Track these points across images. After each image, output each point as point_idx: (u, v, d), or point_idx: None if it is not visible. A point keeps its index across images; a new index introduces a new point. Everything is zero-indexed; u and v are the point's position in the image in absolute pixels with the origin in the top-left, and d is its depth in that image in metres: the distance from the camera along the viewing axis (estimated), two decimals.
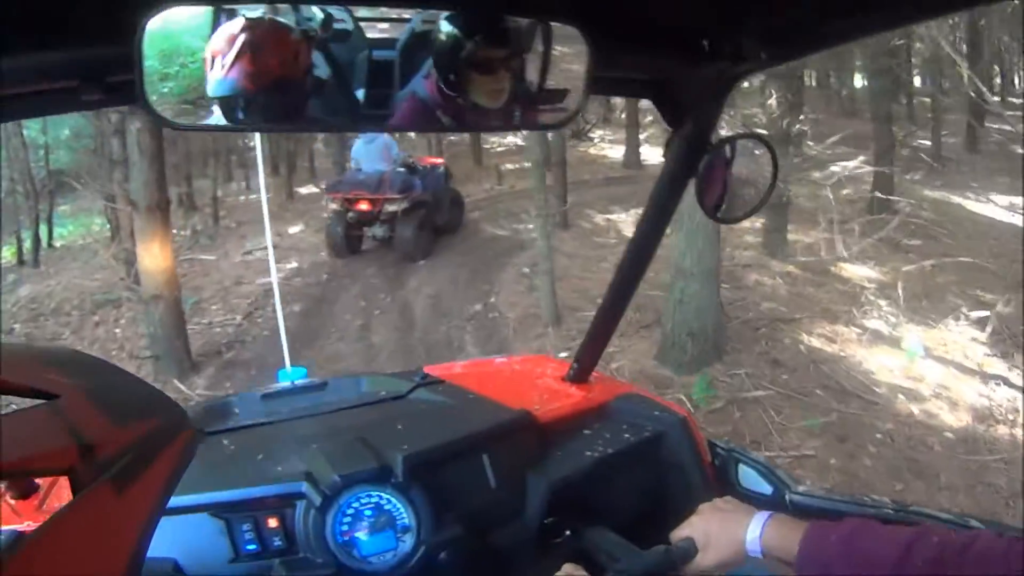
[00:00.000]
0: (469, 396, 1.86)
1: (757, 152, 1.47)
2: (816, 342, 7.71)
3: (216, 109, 1.01)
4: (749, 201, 1.49)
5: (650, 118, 18.22)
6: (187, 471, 1.58)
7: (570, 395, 1.93)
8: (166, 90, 0.98)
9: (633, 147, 18.43)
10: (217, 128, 1.04)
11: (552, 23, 1.05)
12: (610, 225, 12.42)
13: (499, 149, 20.24)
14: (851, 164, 11.92)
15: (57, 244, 15.92)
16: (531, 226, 10.75)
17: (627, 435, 1.78)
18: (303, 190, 17.39)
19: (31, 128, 13.93)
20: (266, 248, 11.65)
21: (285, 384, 2.08)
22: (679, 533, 1.39)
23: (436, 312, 9.34)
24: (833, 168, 11.63)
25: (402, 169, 11.37)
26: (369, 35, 1.08)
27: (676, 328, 7.07)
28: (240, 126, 1.10)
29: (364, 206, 10.97)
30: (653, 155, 17.43)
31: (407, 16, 1.10)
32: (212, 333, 9.14)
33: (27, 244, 14.38)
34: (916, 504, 1.51)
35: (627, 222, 12.18)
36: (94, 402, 0.62)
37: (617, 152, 19.50)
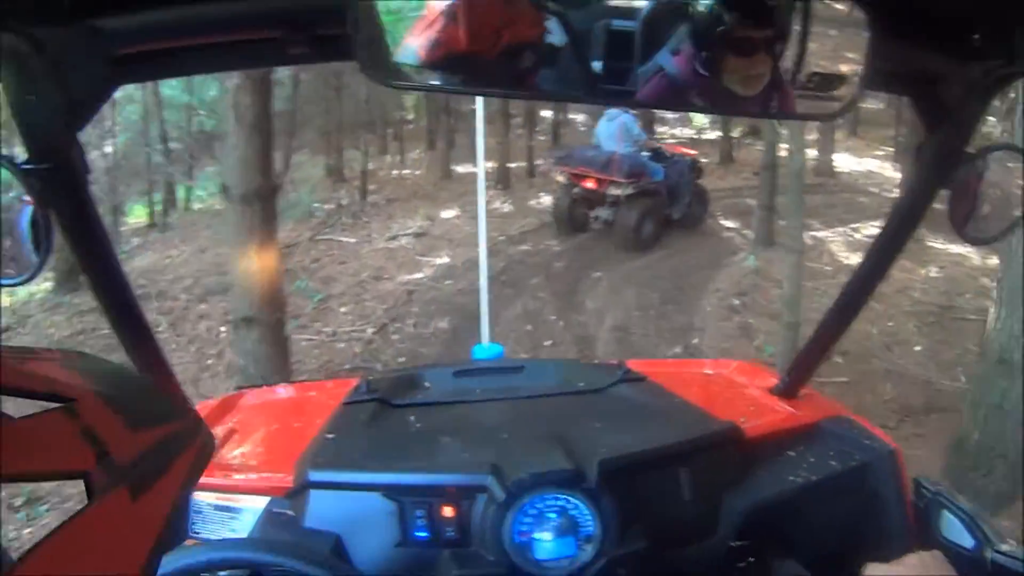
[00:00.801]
0: (673, 399, 1.82)
1: (1012, 166, 1.34)
2: None
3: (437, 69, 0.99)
4: (1001, 220, 1.35)
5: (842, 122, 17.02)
6: (368, 444, 1.58)
7: (777, 411, 1.86)
8: (383, 46, 0.96)
9: (826, 151, 16.89)
10: (440, 89, 1.03)
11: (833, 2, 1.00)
12: (817, 245, 11.13)
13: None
14: None
15: (196, 207, 15.89)
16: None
17: (833, 462, 1.68)
18: (460, 168, 16.93)
19: (173, 88, 13.54)
20: (413, 234, 12.04)
21: (480, 362, 2.05)
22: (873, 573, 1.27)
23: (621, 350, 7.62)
24: None
25: (646, 153, 11.21)
26: (609, 2, 1.04)
27: (984, 441, 5.13)
28: (464, 89, 1.12)
29: (590, 184, 10.86)
30: (846, 163, 16.59)
31: None
32: (333, 350, 7.98)
33: (159, 207, 14.56)
34: None
35: (837, 242, 11.40)
36: (110, 406, 0.62)
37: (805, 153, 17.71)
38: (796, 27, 1.00)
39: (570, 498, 1.39)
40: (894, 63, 1.17)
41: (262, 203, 5.85)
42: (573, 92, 1.21)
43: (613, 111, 11.09)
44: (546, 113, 19.99)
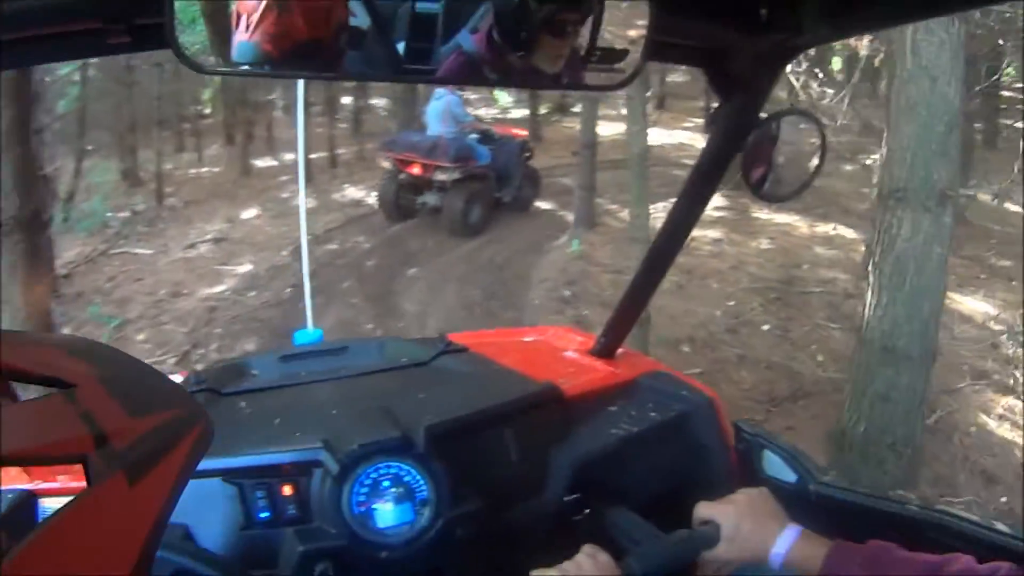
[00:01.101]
0: (493, 366, 1.89)
1: (804, 129, 1.48)
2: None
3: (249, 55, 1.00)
4: (794, 180, 1.50)
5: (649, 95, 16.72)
6: None
7: (596, 370, 1.95)
8: (197, 34, 0.97)
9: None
10: (252, 74, 1.06)
11: None
12: (635, 221, 10.69)
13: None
14: None
15: None
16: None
17: (653, 413, 1.79)
18: (260, 163, 16.40)
19: None
20: (212, 240, 11.38)
21: (304, 346, 2.05)
22: (704, 512, 1.39)
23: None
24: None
25: (473, 135, 11.14)
26: None
27: (871, 433, 4.94)
28: (276, 73, 1.13)
29: (415, 170, 10.62)
30: (657, 136, 15.78)
31: None
32: None
33: None
34: (940, 504, 1.53)
35: (657, 217, 10.80)
36: (110, 392, 0.63)
37: (611, 130, 15.85)
38: (592, 4, 1.07)
39: (402, 465, 1.43)
40: (683, 36, 1.28)
41: (25, 232, 4.95)
42: (380, 73, 1.25)
43: (440, 91, 11.05)
44: (346, 99, 19.51)
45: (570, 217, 10.97)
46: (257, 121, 17.62)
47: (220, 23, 0.97)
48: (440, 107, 10.96)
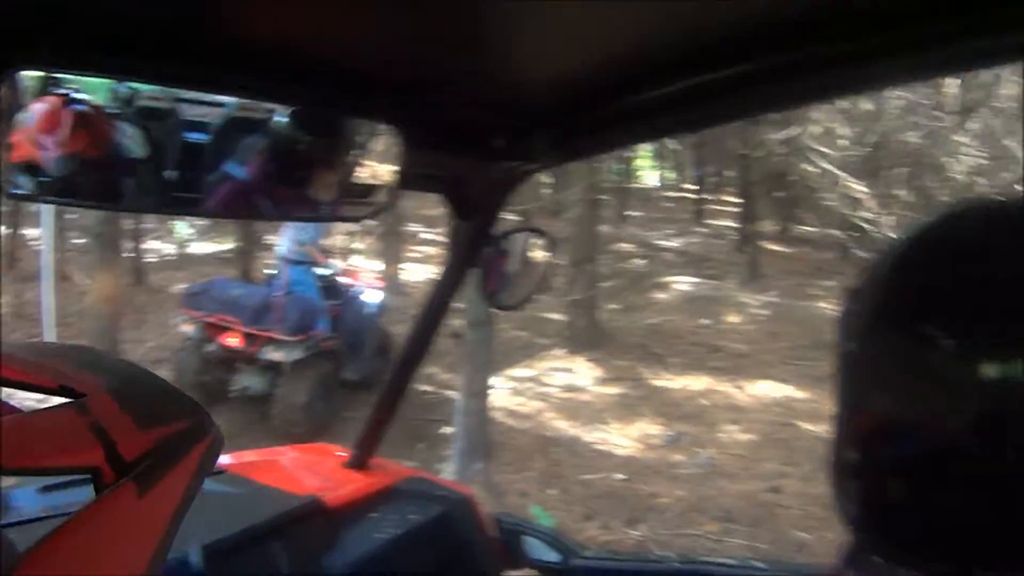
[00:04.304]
0: (255, 486, 1.99)
1: (533, 242, 1.80)
2: None
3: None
4: (525, 288, 1.80)
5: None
6: None
7: (353, 481, 2.11)
8: None
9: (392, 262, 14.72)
10: (24, 199, 1.17)
11: (373, 122, 1.27)
12: None
13: None
14: None
15: None
16: None
17: (413, 516, 1.97)
18: None
19: None
20: None
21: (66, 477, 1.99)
22: None
23: None
24: None
25: (311, 288, 8.72)
26: (184, 116, 1.20)
27: None
28: (49, 200, 1.29)
29: (234, 341, 8.15)
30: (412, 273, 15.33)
31: (223, 100, 1.22)
32: None
33: None
34: (698, 555, 1.82)
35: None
36: (120, 402, 0.67)
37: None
38: (352, 139, 1.29)
39: None
40: (428, 167, 1.52)
41: None
42: (150, 202, 1.34)
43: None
44: None
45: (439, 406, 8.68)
46: None
47: None
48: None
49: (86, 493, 1.62)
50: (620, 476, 7.28)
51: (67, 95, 1.08)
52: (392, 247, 14.78)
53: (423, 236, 17.06)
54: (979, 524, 0.68)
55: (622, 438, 8.25)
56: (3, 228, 14.69)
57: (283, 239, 8.93)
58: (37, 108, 1.06)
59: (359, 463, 2.17)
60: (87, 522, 0.62)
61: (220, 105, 1.22)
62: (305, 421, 7.98)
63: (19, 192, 1.09)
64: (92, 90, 1.10)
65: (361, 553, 1.83)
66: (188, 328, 8.45)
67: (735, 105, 1.21)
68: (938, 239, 0.77)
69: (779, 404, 9.10)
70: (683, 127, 1.53)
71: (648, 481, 7.16)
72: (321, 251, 9.03)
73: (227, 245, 16.60)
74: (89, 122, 1.10)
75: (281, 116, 1.22)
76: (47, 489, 1.93)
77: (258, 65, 1.09)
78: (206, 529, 1.67)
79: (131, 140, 1.12)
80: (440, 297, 1.89)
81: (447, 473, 6.91)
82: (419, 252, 16.43)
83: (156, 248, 16.49)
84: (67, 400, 0.65)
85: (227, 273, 12.61)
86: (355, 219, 1.40)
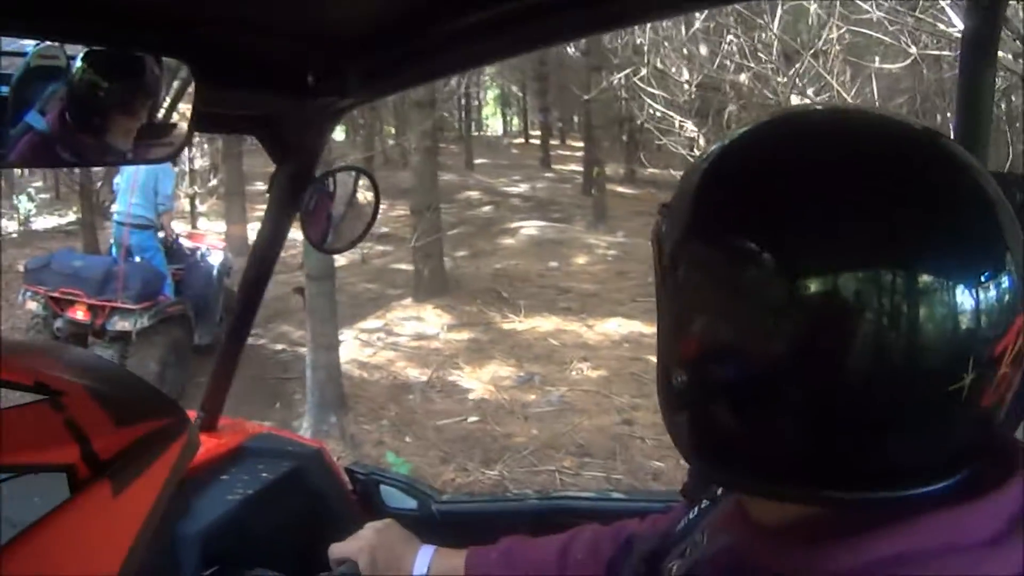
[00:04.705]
0: None
1: (359, 183, 1.78)
2: None
3: None
4: (353, 231, 1.78)
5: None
6: None
7: (202, 443, 2.02)
8: None
9: (237, 223, 14.30)
10: None
11: (164, 57, 1.22)
12: None
13: None
14: None
15: None
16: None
17: (264, 474, 1.93)
18: None
19: None
20: None
21: None
22: (337, 553, 1.55)
23: None
24: None
25: (154, 252, 8.41)
26: None
27: None
28: None
29: (79, 314, 7.78)
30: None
31: (25, 48, 1.17)
32: None
33: None
34: (556, 490, 1.87)
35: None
36: (97, 401, 0.68)
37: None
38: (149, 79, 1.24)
39: None
40: (230, 106, 1.49)
41: None
42: None
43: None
44: None
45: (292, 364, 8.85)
46: None
47: None
48: (142, 177, 8.30)
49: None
50: (474, 419, 7.39)
51: None
52: (237, 207, 14.41)
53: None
54: (810, 447, 0.69)
55: (474, 382, 8.34)
56: None
57: (120, 204, 8.50)
58: None
59: (206, 424, 2.09)
60: (60, 521, 0.62)
61: (21, 55, 1.16)
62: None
63: None
64: None
65: (213, 516, 1.77)
66: (33, 305, 8.08)
67: (536, 33, 1.23)
68: (750, 149, 0.77)
69: (628, 340, 9.33)
70: (490, 55, 1.54)
71: (502, 422, 7.29)
72: (163, 214, 8.56)
73: (70, 217, 16.04)
74: None
75: (76, 61, 1.17)
76: None
77: (44, 3, 1.06)
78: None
79: None
80: (266, 245, 1.85)
81: (303, 429, 6.91)
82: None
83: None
84: (41, 397, 0.66)
85: (73, 246, 12.02)
86: (158, 160, 1.37)
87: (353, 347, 9.14)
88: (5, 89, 1.14)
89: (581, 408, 7.51)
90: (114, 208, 8.89)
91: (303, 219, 1.71)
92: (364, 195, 1.77)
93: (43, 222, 16.78)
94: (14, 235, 15.63)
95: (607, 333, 9.74)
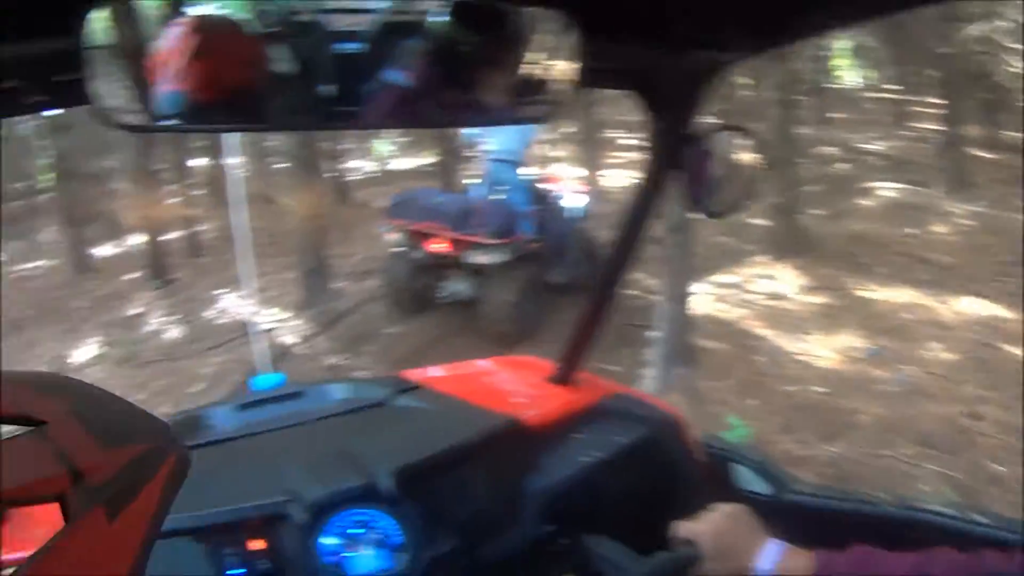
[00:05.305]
0: (452, 402, 1.98)
1: (737, 143, 1.62)
2: None
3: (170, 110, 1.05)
4: (733, 193, 1.62)
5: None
6: None
7: (556, 397, 2.03)
8: (118, 89, 1.02)
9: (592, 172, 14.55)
10: (175, 129, 1.16)
11: (541, 9, 1.15)
12: None
13: None
14: None
15: None
16: None
17: (618, 438, 1.88)
18: (101, 251, 14.70)
19: None
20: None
21: (260, 393, 2.13)
22: (683, 532, 1.48)
23: None
24: None
25: (517, 190, 8.73)
26: (332, 28, 1.14)
27: None
28: (200, 127, 1.18)
29: (440, 246, 8.24)
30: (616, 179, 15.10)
31: (371, 6, 1.16)
32: None
33: None
34: (913, 499, 1.70)
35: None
36: (82, 426, 0.67)
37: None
38: (522, 34, 1.16)
39: (371, 511, 1.52)
40: (611, 61, 1.37)
41: None
42: (306, 120, 1.29)
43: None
44: (198, 161, 17.42)
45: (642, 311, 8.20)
46: (94, 197, 15.46)
47: (140, 76, 1.02)
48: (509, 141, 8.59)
49: (286, 409, 1.65)
50: (819, 389, 7.03)
51: (202, 16, 1.05)
52: (591, 154, 14.72)
53: (621, 142, 16.76)
54: None
55: (824, 349, 7.92)
56: (206, 159, 15.46)
57: (490, 141, 8.88)
58: (172, 32, 1.02)
59: (563, 378, 2.09)
60: (60, 551, 0.61)
61: (368, 12, 1.16)
62: (512, 323, 8.12)
63: (168, 120, 1.06)
64: (229, 8, 1.07)
65: (561, 476, 1.75)
66: (394, 236, 8.77)
67: None
68: None
69: (983, 323, 8.47)
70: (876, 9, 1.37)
71: (847, 396, 6.88)
72: (526, 156, 8.93)
73: (428, 160, 17.02)
74: (230, 42, 1.06)
75: (437, 16, 1.14)
76: (245, 407, 2.02)
77: None
78: (399, 448, 1.67)
79: (279, 57, 1.08)
80: (642, 201, 1.77)
81: (648, 378, 6.88)
82: (618, 158, 16.13)
83: (356, 167, 16.88)
84: (28, 428, 0.65)
85: (430, 186, 12.63)
86: (533, 120, 1.30)
87: (705, 300, 8.92)
88: (356, 46, 1.13)
89: (928, 392, 6.91)
90: (482, 147, 9.31)
91: (684, 179, 1.60)
92: (743, 156, 1.62)
93: (398, 163, 18.16)
94: (373, 175, 17.05)
95: (961, 312, 8.87)
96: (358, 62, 1.12)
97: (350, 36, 1.13)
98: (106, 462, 0.65)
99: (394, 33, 1.13)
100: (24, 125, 14.26)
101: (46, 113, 11.94)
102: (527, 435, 1.83)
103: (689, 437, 1.96)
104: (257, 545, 1.49)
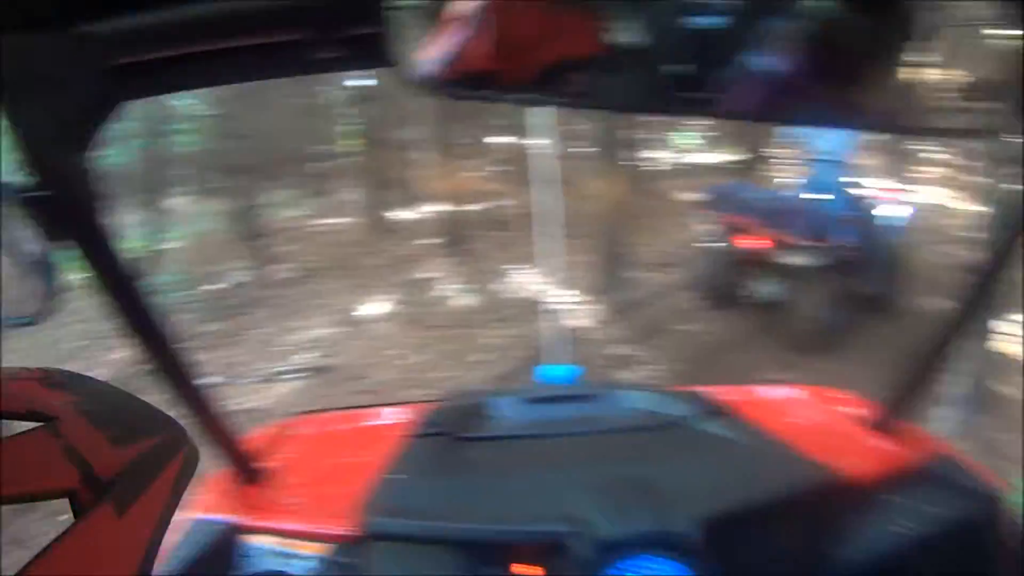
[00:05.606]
0: (762, 436, 1.79)
1: None
2: None
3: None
4: None
5: None
6: (435, 488, 1.64)
7: (877, 450, 1.80)
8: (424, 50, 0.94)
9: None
10: (492, 98, 1.04)
11: None
12: None
13: None
14: None
15: None
16: None
17: (933, 511, 1.64)
18: (398, 215, 14.80)
19: None
20: (310, 370, 7.92)
21: (549, 388, 2.09)
22: None
23: None
24: None
25: (837, 192, 8.18)
26: None
27: None
28: (518, 98, 1.07)
29: (753, 243, 7.85)
30: None
31: None
32: None
33: None
34: None
35: None
36: (92, 422, 0.68)
37: None
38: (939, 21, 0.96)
39: (667, 562, 1.38)
40: None
41: None
42: (647, 103, 1.15)
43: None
44: (497, 139, 17.10)
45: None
46: (395, 164, 15.49)
47: (451, 37, 0.94)
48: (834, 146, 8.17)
49: (575, 411, 1.55)
50: None
51: None
52: (896, 165, 14.03)
53: (922, 155, 15.35)
54: None
55: None
56: (505, 137, 16.02)
57: (816, 138, 8.29)
58: None
59: (887, 425, 1.82)
60: (68, 547, 0.62)
61: None
62: (816, 333, 7.56)
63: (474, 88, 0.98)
64: None
65: (875, 545, 1.56)
66: (706, 229, 8.52)
67: None
68: None
69: None
70: None
71: None
72: (850, 160, 8.44)
73: (728, 156, 16.78)
74: (565, 11, 0.95)
75: None
76: (533, 401, 1.96)
77: None
78: (703, 487, 1.54)
79: (619, 28, 0.95)
80: (1013, 221, 1.46)
81: (936, 419, 6.06)
82: (928, 173, 14.90)
83: (650, 157, 16.87)
84: (37, 424, 0.66)
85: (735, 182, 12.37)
86: (907, 132, 1.12)
87: (1012, 341, 7.80)
88: (718, 22, 0.97)
89: None
90: (806, 147, 8.74)
91: None
92: None
93: (698, 157, 17.65)
94: (674, 167, 16.97)
95: None
96: (715, 41, 0.96)
97: (708, 9, 0.97)
98: (116, 458, 0.68)
99: (762, 10, 0.96)
100: (333, 94, 15.19)
101: (353, 83, 13.23)
102: (843, 492, 1.62)
103: (1012, 520, 1.65)
104: (522, 570, 1.41)
